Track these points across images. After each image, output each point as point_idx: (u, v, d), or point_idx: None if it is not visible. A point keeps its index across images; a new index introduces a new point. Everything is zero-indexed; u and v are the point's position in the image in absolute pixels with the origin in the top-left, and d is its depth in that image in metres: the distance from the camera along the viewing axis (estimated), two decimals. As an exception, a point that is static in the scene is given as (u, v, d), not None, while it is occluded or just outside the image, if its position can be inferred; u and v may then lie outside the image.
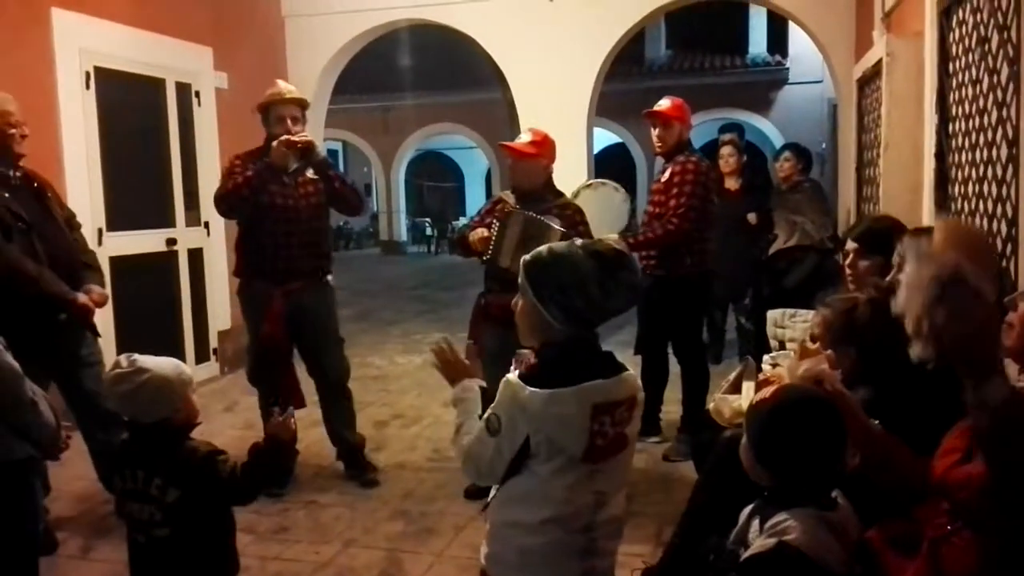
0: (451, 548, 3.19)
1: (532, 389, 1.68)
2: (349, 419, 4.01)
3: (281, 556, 3.14)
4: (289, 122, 3.71)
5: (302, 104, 3.84)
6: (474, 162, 22.99)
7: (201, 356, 6.17)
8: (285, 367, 3.82)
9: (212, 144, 6.23)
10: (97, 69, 5.14)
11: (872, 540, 1.91)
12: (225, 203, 3.72)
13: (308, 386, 3.96)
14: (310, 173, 3.78)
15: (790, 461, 1.72)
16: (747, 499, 1.87)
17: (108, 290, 3.51)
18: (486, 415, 1.75)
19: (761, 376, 2.80)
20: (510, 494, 1.76)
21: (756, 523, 1.75)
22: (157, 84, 5.76)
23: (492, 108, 15.81)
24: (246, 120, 6.46)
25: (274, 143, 3.66)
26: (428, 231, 22.28)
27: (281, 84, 3.93)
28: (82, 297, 3.22)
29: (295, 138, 3.65)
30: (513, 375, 1.75)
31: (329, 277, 3.99)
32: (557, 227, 3.41)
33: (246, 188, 3.62)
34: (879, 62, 4.43)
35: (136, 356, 2.07)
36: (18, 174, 3.20)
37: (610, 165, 11.65)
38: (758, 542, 1.68)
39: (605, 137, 16.77)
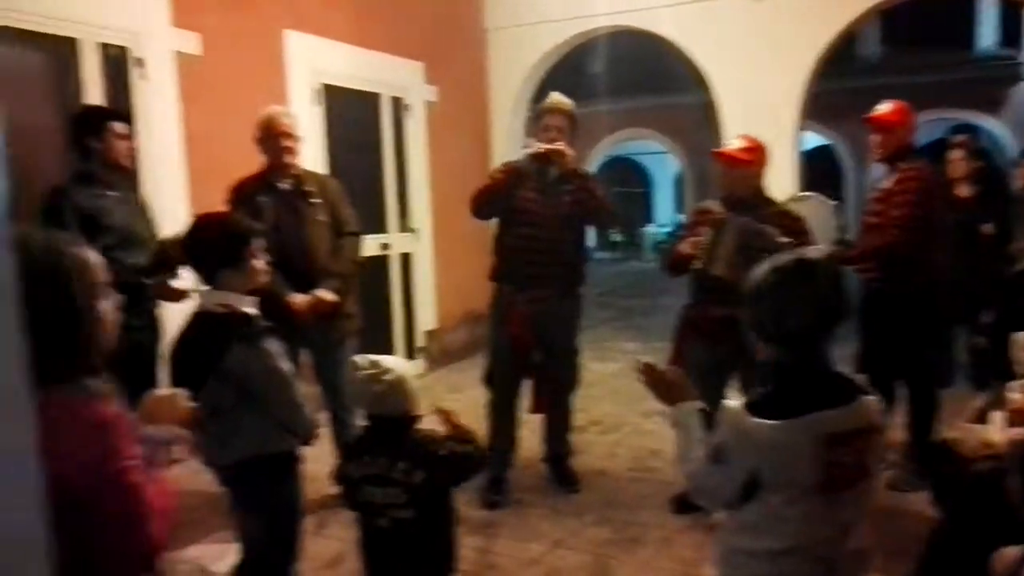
0: (659, 559, 3.17)
1: (755, 419, 1.62)
2: (564, 428, 4.06)
3: (491, 550, 3.25)
4: (554, 132, 3.75)
5: (569, 115, 3.85)
6: (664, 167, 22.69)
7: (409, 354, 6.52)
8: (524, 374, 3.89)
9: (421, 155, 6.57)
10: (325, 86, 5.57)
11: None
12: (476, 203, 3.82)
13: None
14: (568, 185, 3.79)
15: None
16: (1002, 541, 1.72)
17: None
18: (711, 442, 1.71)
19: (1013, 405, 2.55)
20: (742, 521, 1.72)
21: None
22: (373, 99, 6.15)
23: (685, 112, 15.63)
24: (452, 131, 6.84)
25: (528, 150, 3.76)
26: (615, 237, 22.22)
27: (553, 95, 4.00)
28: (297, 298, 3.49)
29: (545, 146, 3.69)
30: (734, 402, 1.70)
31: (579, 288, 3.98)
32: (774, 234, 3.29)
33: (496, 190, 3.73)
34: None
35: (374, 357, 2.26)
36: (287, 181, 3.54)
37: (815, 169, 11.05)
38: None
39: (809, 139, 15.98)
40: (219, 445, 2.35)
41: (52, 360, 1.20)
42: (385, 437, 2.29)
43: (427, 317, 6.73)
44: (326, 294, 3.60)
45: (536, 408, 3.87)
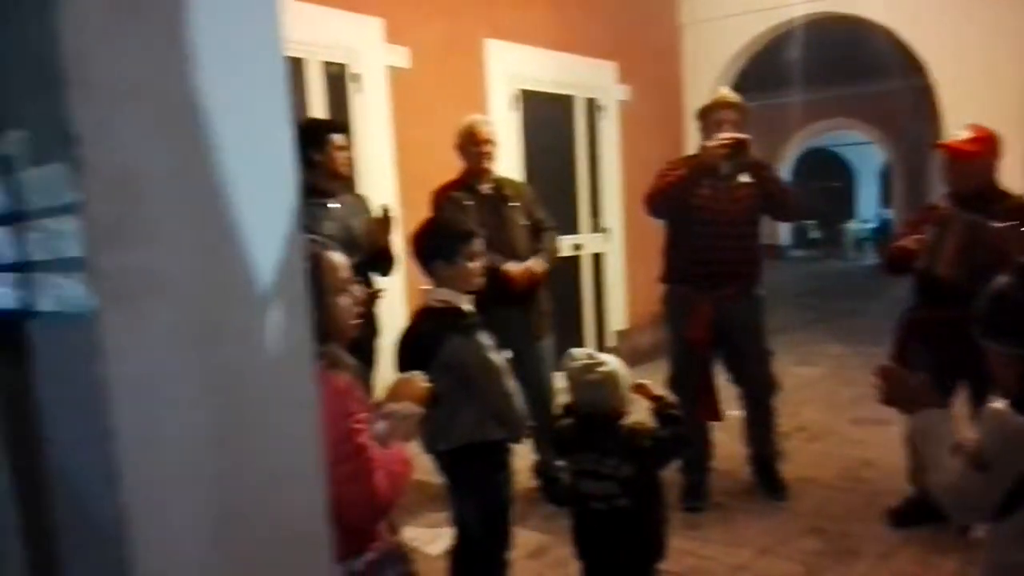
0: (877, 574, 3.00)
1: None
2: (767, 433, 3.93)
3: (695, 552, 3.22)
4: (728, 127, 3.63)
5: (741, 109, 3.74)
6: (868, 159, 21.28)
7: (600, 354, 6.55)
8: (705, 377, 3.79)
9: (613, 155, 6.59)
10: (522, 91, 5.73)
11: None
12: (653, 202, 3.74)
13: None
14: (745, 177, 3.68)
15: None
16: None
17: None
18: (970, 448, 1.61)
19: None
20: (1016, 531, 1.60)
21: None
22: (568, 101, 6.24)
23: (893, 100, 14.57)
24: (645, 130, 6.80)
25: (705, 144, 3.66)
26: (813, 234, 21.13)
27: (723, 90, 3.94)
28: (512, 267, 3.61)
29: (725, 136, 3.57)
30: (999, 403, 1.59)
31: (760, 287, 3.87)
32: (1009, 232, 3.00)
33: (673, 188, 3.62)
34: None
35: (590, 351, 2.33)
36: (487, 186, 3.69)
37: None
38: None
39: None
40: (437, 432, 2.50)
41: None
42: (593, 433, 2.34)
43: (618, 317, 6.74)
44: (537, 264, 3.70)
45: (711, 415, 3.74)
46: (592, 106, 6.41)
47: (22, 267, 0.99)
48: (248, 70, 1.00)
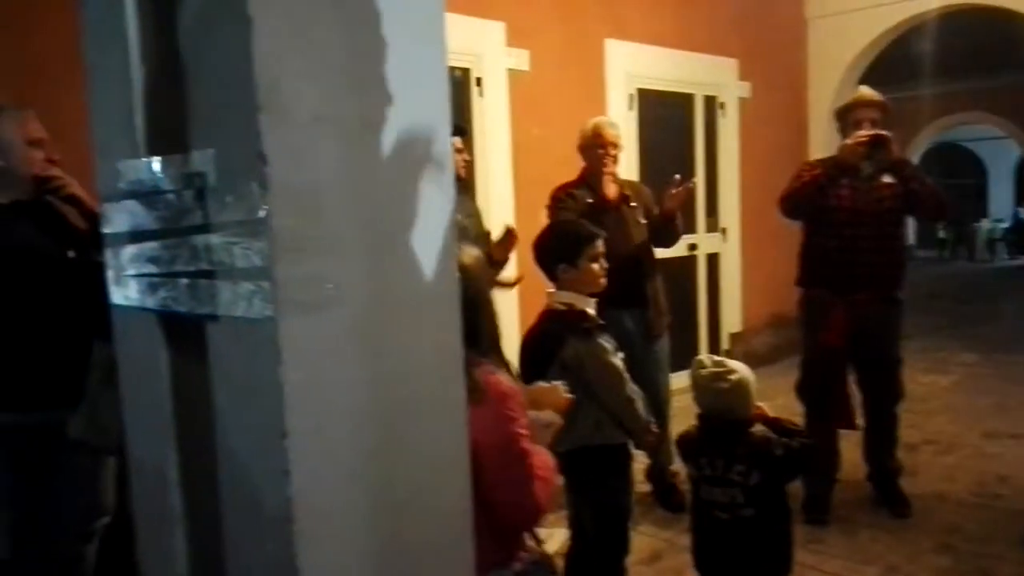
0: (1016, 599, 2.85)
1: None
2: (889, 444, 3.78)
3: (818, 567, 3.12)
4: (868, 125, 3.50)
5: (882, 107, 3.61)
6: (1002, 154, 20.02)
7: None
8: (838, 383, 3.64)
9: (732, 153, 6.45)
10: (639, 91, 5.69)
11: None
12: (787, 203, 3.65)
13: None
14: (888, 177, 3.53)
15: None
16: None
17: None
18: None
19: None
20: None
21: None
22: (686, 99, 6.16)
23: (1033, 92, 13.68)
24: (766, 128, 6.63)
25: (843, 143, 3.54)
26: (941, 234, 20.06)
27: (863, 89, 3.81)
28: None
29: (864, 133, 3.44)
30: None
31: (901, 291, 3.68)
32: None
33: (809, 188, 3.53)
34: None
35: (717, 357, 2.30)
36: (606, 187, 3.70)
37: None
38: None
39: None
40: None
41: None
42: (721, 439, 2.32)
43: (733, 319, 6.60)
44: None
45: (845, 423, 3.60)
46: (711, 104, 6.30)
47: (207, 274, 1.07)
48: (415, 93, 1.05)
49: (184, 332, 1.19)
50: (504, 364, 1.68)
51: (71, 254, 2.32)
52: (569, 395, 1.95)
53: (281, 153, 0.93)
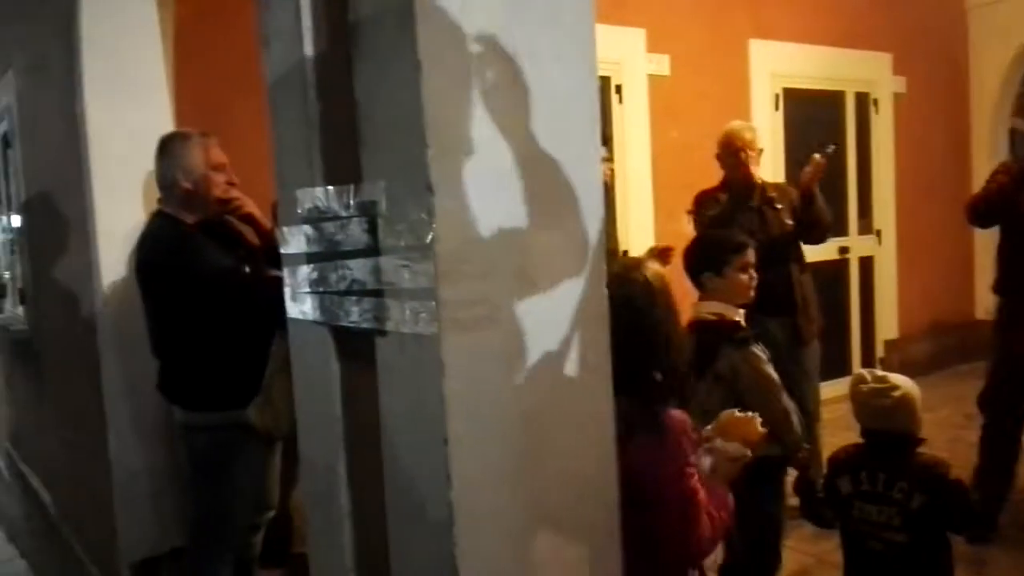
0: None
1: None
2: None
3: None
4: None
5: None
6: None
7: (867, 364, 6.15)
8: None
9: (887, 152, 6.16)
10: (785, 90, 5.54)
11: None
12: (975, 210, 3.53)
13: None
14: None
15: None
16: None
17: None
18: None
19: None
20: None
21: None
22: (836, 97, 5.93)
23: None
24: (924, 124, 6.28)
25: None
26: None
27: None
28: None
29: None
30: None
31: None
32: None
33: (993, 196, 3.40)
34: None
35: (879, 371, 2.22)
36: (750, 191, 3.64)
37: None
38: None
39: None
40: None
41: (630, 369, 1.40)
42: (884, 455, 2.23)
43: (888, 326, 6.29)
44: None
45: None
46: (863, 101, 6.04)
47: (376, 293, 1.17)
48: (566, 121, 1.11)
49: (354, 345, 1.30)
50: (681, 391, 1.64)
51: (247, 268, 2.54)
52: (763, 429, 1.90)
53: (445, 184, 1.01)
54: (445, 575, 1.09)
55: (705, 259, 2.52)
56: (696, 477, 1.55)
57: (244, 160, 2.70)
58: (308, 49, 1.26)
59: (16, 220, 4.89)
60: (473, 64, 1.02)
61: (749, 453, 1.79)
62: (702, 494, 1.56)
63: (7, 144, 4.85)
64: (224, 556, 2.57)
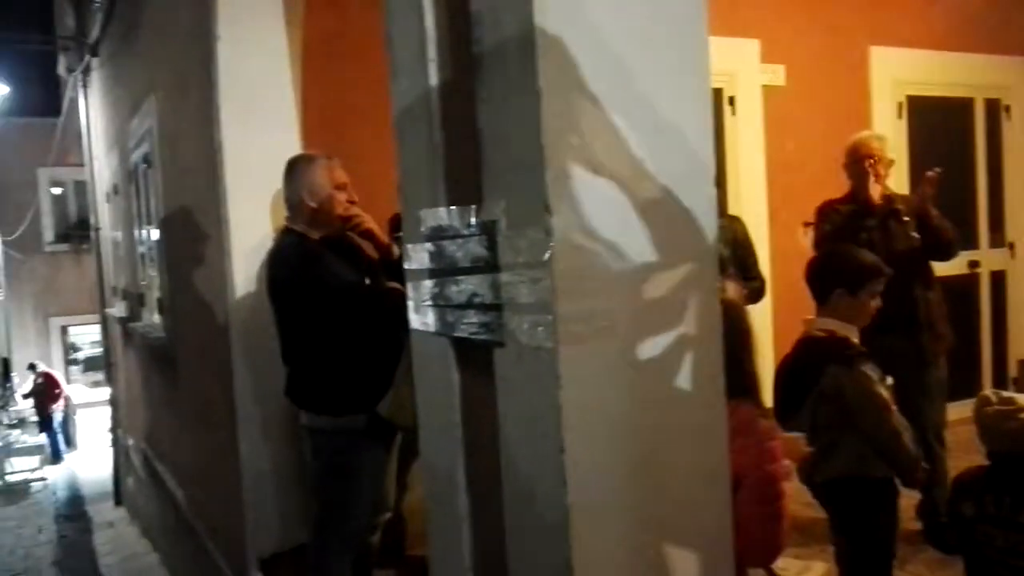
0: None
1: None
2: None
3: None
4: None
5: None
6: None
7: (998, 384, 5.82)
8: None
9: (1020, 161, 5.83)
10: (909, 98, 5.33)
11: None
12: None
13: None
14: None
15: None
16: None
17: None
18: None
19: None
20: None
21: None
22: (964, 104, 5.66)
23: None
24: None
25: None
26: None
27: None
28: None
29: None
30: None
31: None
32: None
33: None
34: None
35: (1004, 392, 2.14)
36: (876, 203, 3.53)
37: None
38: None
39: None
40: (816, 462, 2.46)
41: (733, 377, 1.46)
42: (1010, 478, 2.14)
43: (1021, 344, 5.92)
44: None
45: None
46: (994, 107, 5.74)
47: (495, 307, 1.24)
48: (679, 139, 1.15)
49: (473, 355, 1.37)
50: (760, 404, 1.71)
51: (368, 281, 2.68)
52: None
53: (563, 204, 1.07)
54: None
55: (842, 275, 2.47)
56: (783, 478, 1.58)
57: (363, 179, 2.85)
58: (432, 80, 1.34)
59: (155, 235, 5.25)
60: (589, 89, 1.07)
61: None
62: (784, 486, 1.59)
63: (148, 164, 5.23)
64: (345, 554, 2.70)
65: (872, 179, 3.50)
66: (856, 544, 2.51)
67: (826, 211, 3.61)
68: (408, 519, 3.25)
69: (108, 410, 8.63)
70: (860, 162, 3.54)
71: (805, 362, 2.47)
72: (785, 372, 2.55)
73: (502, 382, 1.28)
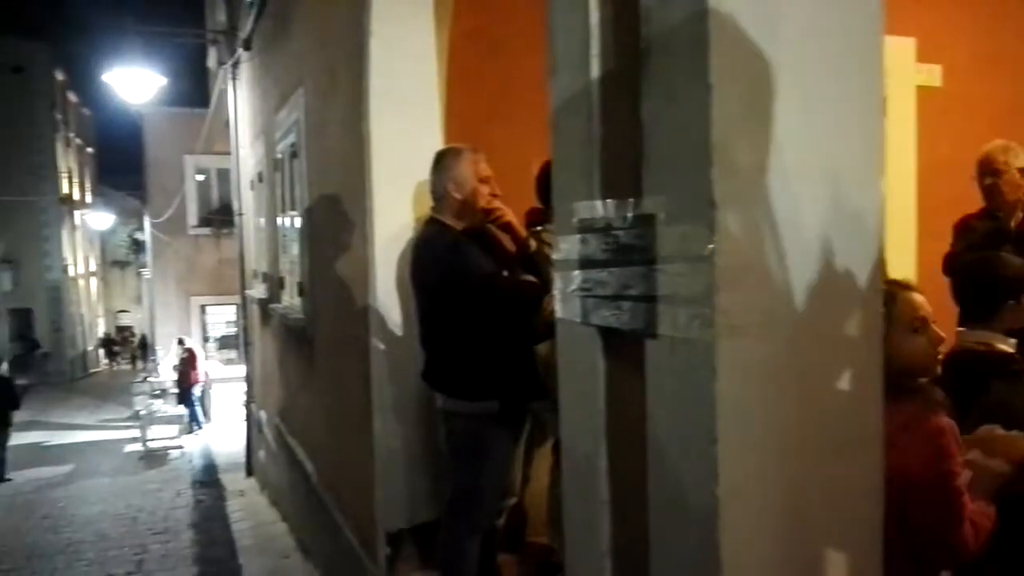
0: None
1: None
2: None
3: None
4: None
5: None
6: None
7: None
8: None
9: None
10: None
11: None
12: None
13: None
14: None
15: None
16: None
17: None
18: None
19: None
20: None
21: None
22: None
23: None
24: None
25: None
26: None
27: None
28: None
29: None
30: None
31: None
32: None
33: None
34: None
35: None
36: (1014, 217, 3.33)
37: None
38: None
39: None
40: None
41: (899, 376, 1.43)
42: None
43: None
44: None
45: None
46: None
47: (650, 299, 1.26)
48: (847, 136, 1.13)
49: (621, 345, 1.40)
50: (938, 397, 1.67)
51: (506, 273, 2.74)
52: None
53: (728, 200, 1.08)
54: (708, 565, 1.15)
55: (1010, 285, 2.35)
56: (962, 479, 1.53)
57: (499, 174, 2.91)
58: (594, 73, 1.37)
59: (297, 221, 5.52)
60: (760, 85, 1.08)
61: (1010, 469, 1.74)
62: (968, 499, 1.55)
63: (294, 154, 5.50)
64: (473, 535, 2.78)
65: (1003, 198, 3.28)
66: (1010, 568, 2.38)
67: (961, 228, 3.43)
68: (530, 508, 3.30)
69: (242, 386, 9.13)
70: (987, 175, 3.33)
71: (966, 378, 2.36)
72: (941, 386, 2.44)
73: (653, 372, 1.30)
